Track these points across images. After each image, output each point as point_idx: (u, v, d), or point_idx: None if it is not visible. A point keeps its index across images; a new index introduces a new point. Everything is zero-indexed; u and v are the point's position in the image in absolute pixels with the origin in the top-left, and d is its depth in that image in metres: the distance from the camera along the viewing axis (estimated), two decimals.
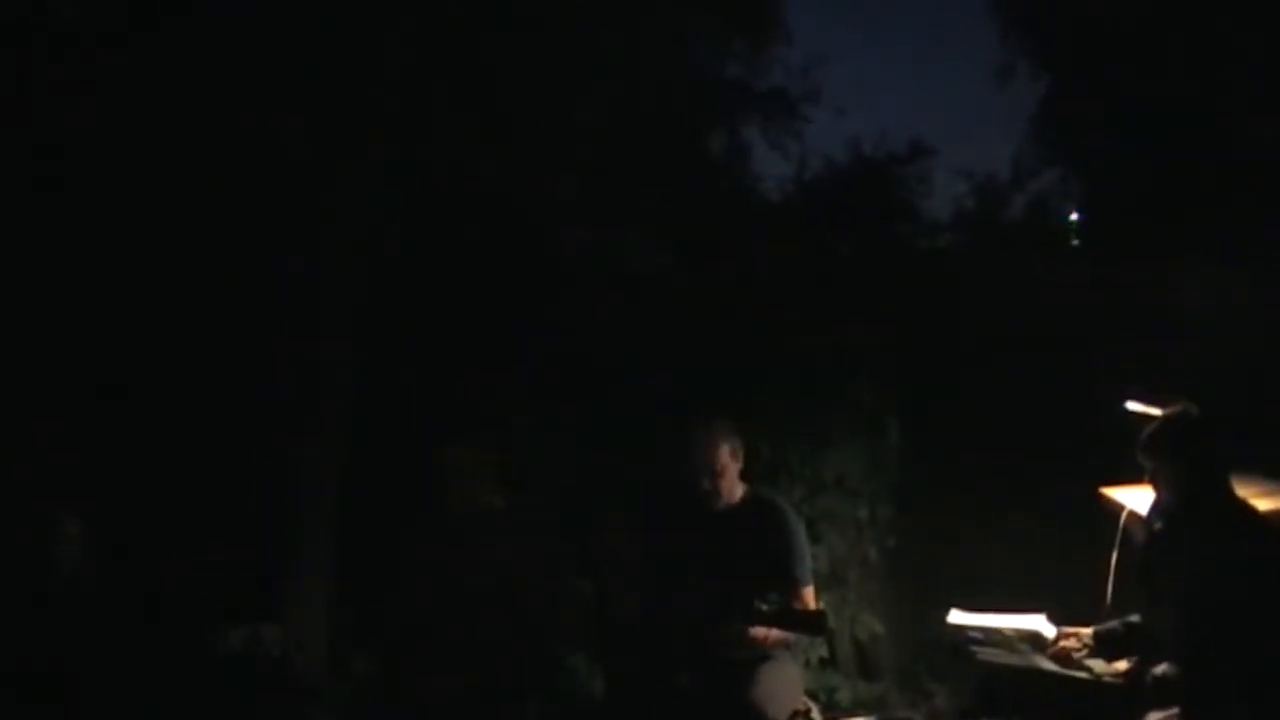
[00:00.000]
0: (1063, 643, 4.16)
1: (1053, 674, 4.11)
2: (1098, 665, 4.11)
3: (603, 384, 6.39)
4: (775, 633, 4.36)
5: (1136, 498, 4.50)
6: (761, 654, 4.41)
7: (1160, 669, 3.91)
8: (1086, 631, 4.23)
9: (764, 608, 4.15)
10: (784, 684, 4.43)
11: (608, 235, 6.25)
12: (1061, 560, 5.49)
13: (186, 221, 5.71)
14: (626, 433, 6.17)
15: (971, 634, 4.43)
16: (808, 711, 4.64)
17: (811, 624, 4.33)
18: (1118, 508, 4.69)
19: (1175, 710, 3.82)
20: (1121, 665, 4.06)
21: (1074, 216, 8.64)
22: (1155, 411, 4.31)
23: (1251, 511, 3.87)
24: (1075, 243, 8.60)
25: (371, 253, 5.88)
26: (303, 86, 5.62)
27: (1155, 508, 4.01)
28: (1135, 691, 3.95)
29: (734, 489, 4.62)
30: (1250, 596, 3.59)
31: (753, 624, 4.28)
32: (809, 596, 4.54)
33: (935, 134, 8.39)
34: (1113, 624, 4.17)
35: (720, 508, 4.59)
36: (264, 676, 5.21)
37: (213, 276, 5.75)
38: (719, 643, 4.38)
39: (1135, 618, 4.19)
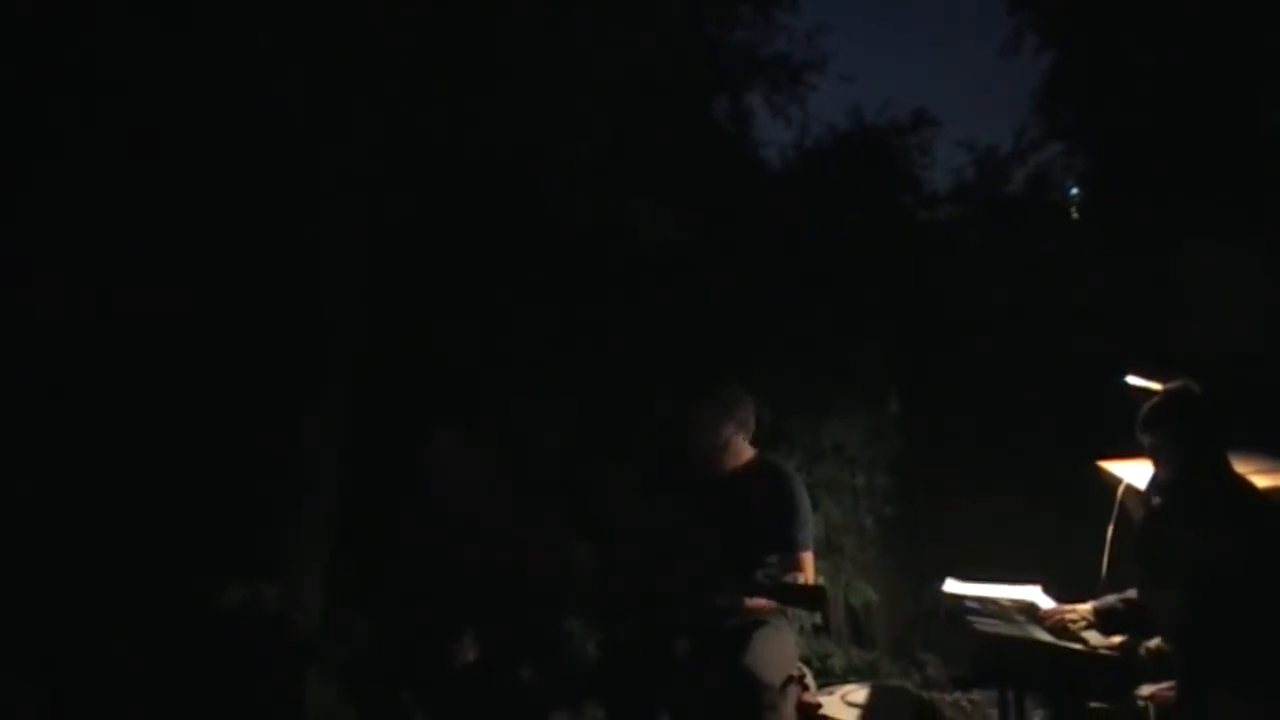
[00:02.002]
0: (1064, 616, 4.18)
1: (1048, 644, 4.13)
2: (1093, 637, 4.14)
3: (605, 349, 6.39)
4: (771, 604, 4.38)
5: (1134, 472, 4.52)
6: (757, 619, 4.43)
7: (1154, 642, 3.95)
8: (1085, 607, 4.27)
9: (762, 579, 4.16)
10: (779, 650, 4.44)
11: (614, 203, 6.24)
12: (1058, 533, 5.52)
13: (190, 186, 5.68)
14: (628, 398, 6.18)
15: (968, 604, 4.46)
16: (802, 677, 4.65)
17: (809, 599, 4.32)
18: (1115, 482, 4.71)
19: (1168, 683, 3.86)
20: (1116, 638, 4.09)
21: (1074, 191, 8.63)
22: (1155, 386, 4.33)
23: (1251, 488, 3.88)
24: (1075, 217, 8.58)
25: (376, 213, 5.85)
26: (303, 45, 5.58)
27: (1154, 483, 4.02)
28: (1129, 663, 3.99)
29: (740, 455, 4.63)
30: (1249, 572, 3.61)
31: (750, 595, 4.30)
32: (807, 561, 4.53)
33: (939, 105, 8.39)
34: (1112, 600, 4.20)
35: (724, 471, 4.61)
36: (261, 634, 5.21)
37: (216, 236, 5.72)
38: (716, 609, 4.39)
39: (1133, 593, 4.22)
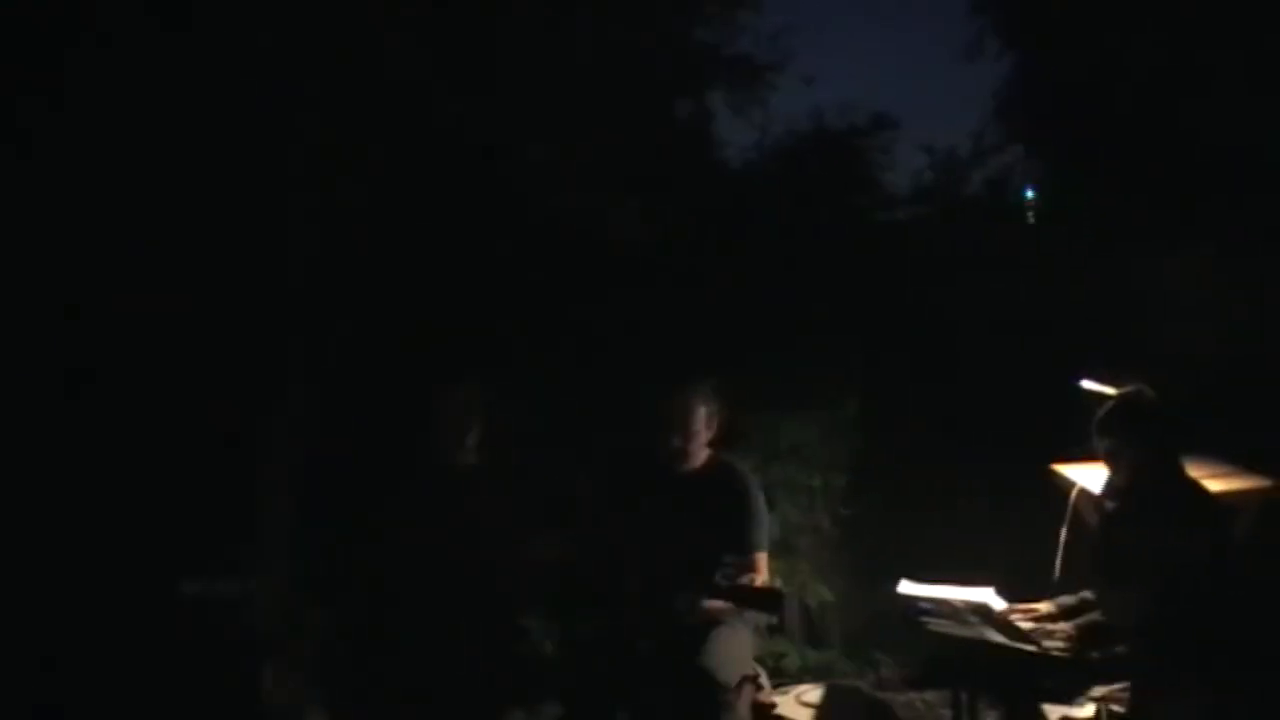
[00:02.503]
0: (1046, 642, 4.16)
1: (1001, 646, 4.16)
2: (1050, 642, 4.16)
3: (567, 346, 6.38)
4: (729, 607, 4.38)
5: (1087, 475, 4.57)
6: (714, 619, 4.44)
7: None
8: (1045, 607, 4.30)
9: (721, 582, 4.18)
10: (736, 650, 4.47)
11: (578, 202, 6.25)
12: (1011, 535, 5.55)
13: (152, 163, 5.63)
14: (590, 395, 6.18)
15: (922, 604, 4.49)
16: (757, 677, 4.68)
17: (767, 602, 4.35)
18: (1068, 485, 4.75)
19: (1120, 685, 3.90)
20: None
21: (1029, 194, 8.67)
22: (1110, 391, 4.38)
23: (1203, 492, 3.93)
24: (1031, 221, 8.63)
25: (344, 210, 5.82)
26: (274, 36, 5.56)
27: (1109, 486, 4.06)
28: (1081, 665, 4.02)
29: (699, 455, 4.64)
30: (1209, 573, 3.66)
31: (709, 597, 4.31)
32: (763, 562, 4.58)
33: (899, 107, 8.39)
34: (1093, 616, 4.19)
35: (683, 471, 4.61)
36: (221, 629, 5.18)
37: (178, 224, 5.66)
38: (674, 610, 4.40)
39: (1088, 593, 4.25)
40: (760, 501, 4.67)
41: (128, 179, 5.50)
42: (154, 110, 5.47)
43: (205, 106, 5.48)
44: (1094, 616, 4.17)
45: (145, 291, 5.56)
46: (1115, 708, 3.91)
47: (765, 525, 4.68)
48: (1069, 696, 4.15)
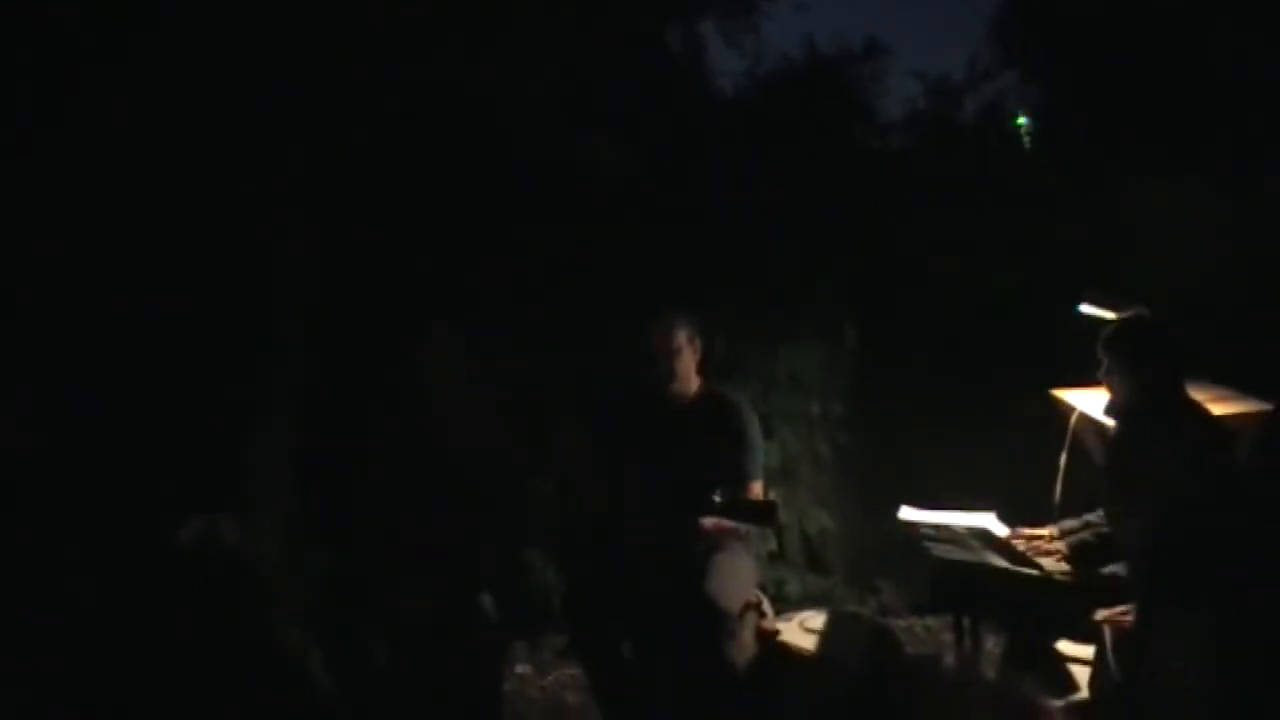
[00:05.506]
0: (1045, 563, 4.19)
1: (1004, 570, 4.20)
2: (1048, 562, 4.20)
3: (562, 281, 6.36)
4: (726, 523, 4.38)
5: (1087, 400, 4.58)
6: (714, 544, 4.44)
7: (1109, 568, 4.02)
8: (1046, 531, 4.33)
9: (715, 499, 4.19)
10: (738, 576, 4.48)
11: (572, 137, 6.21)
12: (1011, 461, 5.57)
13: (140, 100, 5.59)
14: (584, 330, 6.16)
15: (923, 530, 4.53)
16: (759, 604, 4.71)
17: (762, 515, 4.36)
18: (1068, 410, 4.76)
19: (1123, 607, 3.93)
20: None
21: (1022, 120, 8.61)
22: (1108, 314, 4.39)
23: (1207, 415, 3.95)
24: (1028, 146, 8.58)
25: (330, 143, 5.78)
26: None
27: (1111, 408, 4.07)
28: (1084, 588, 4.06)
29: (690, 381, 4.61)
30: (1207, 498, 3.68)
31: (702, 514, 4.32)
32: (757, 491, 4.55)
33: (892, 33, 8.32)
34: (1085, 534, 4.23)
35: (675, 402, 4.60)
36: (219, 569, 5.18)
37: (166, 158, 5.62)
38: (671, 536, 4.41)
39: (1091, 516, 4.28)
40: (754, 430, 4.63)
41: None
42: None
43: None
44: (1085, 535, 4.22)
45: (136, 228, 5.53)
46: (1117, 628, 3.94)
47: (759, 454, 4.64)
48: (1072, 623, 4.18)
